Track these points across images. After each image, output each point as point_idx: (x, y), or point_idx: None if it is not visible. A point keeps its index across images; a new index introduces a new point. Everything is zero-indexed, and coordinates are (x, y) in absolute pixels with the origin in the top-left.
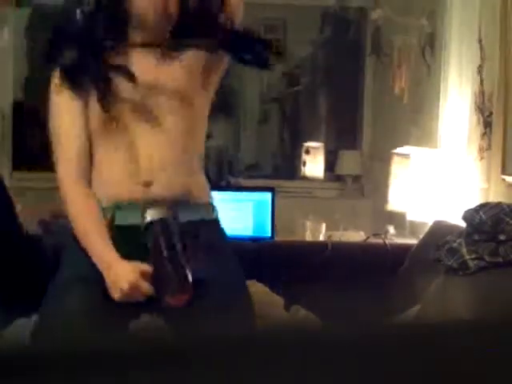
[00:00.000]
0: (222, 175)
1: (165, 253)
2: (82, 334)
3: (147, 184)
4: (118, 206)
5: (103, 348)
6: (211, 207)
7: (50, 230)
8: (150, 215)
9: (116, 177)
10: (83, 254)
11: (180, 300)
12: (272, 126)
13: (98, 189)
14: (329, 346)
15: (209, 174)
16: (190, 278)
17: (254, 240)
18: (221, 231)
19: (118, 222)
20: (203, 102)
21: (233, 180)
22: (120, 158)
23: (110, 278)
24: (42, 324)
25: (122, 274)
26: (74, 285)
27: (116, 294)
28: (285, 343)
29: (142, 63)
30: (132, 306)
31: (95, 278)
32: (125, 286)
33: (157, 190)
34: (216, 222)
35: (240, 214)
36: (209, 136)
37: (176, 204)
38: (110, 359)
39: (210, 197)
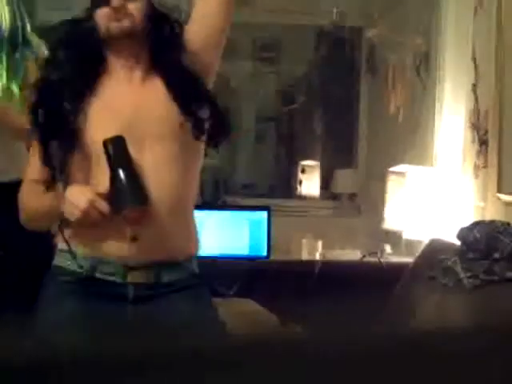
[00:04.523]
0: (218, 194)
1: (121, 167)
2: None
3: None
4: (99, 261)
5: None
6: (194, 260)
7: None
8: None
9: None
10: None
11: (139, 212)
12: (268, 145)
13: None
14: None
15: (205, 193)
16: (146, 190)
17: (250, 259)
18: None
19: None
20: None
21: (229, 199)
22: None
23: (67, 202)
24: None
25: (79, 194)
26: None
27: (73, 215)
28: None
29: (122, 92)
30: None
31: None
32: (82, 203)
33: (142, 248)
34: (198, 278)
35: (236, 233)
36: (205, 155)
37: (160, 265)
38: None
39: (197, 248)
